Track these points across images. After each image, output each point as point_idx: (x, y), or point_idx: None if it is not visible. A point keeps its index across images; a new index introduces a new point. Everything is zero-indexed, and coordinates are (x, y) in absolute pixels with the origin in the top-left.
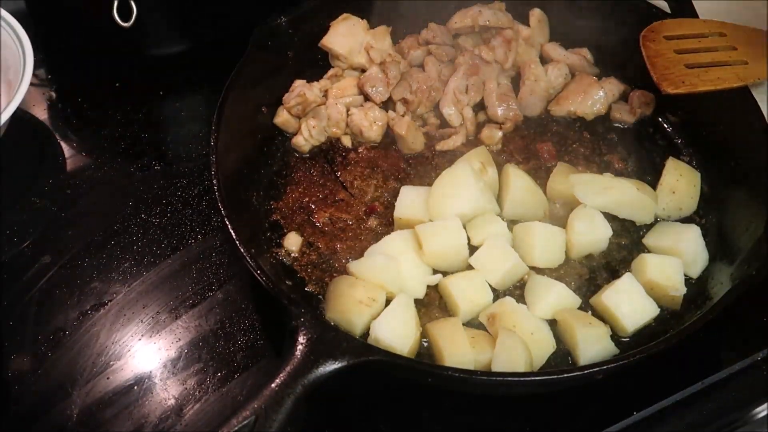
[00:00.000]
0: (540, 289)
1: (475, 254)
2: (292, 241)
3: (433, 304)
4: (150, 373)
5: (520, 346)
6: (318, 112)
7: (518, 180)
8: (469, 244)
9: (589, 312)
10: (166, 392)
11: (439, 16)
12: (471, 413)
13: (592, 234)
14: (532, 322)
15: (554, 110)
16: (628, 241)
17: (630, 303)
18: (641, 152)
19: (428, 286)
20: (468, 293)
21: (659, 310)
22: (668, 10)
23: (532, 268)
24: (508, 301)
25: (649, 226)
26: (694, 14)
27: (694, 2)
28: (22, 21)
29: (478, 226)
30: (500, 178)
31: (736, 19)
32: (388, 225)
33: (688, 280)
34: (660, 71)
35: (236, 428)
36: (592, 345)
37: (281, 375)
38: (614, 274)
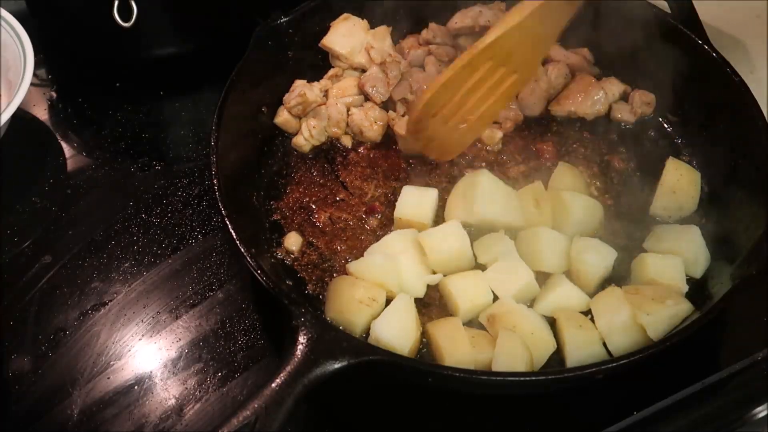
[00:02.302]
0: (546, 284)
1: (488, 270)
2: (293, 241)
3: (433, 304)
4: (150, 372)
5: (520, 346)
6: (318, 112)
7: (577, 201)
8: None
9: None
10: (167, 392)
11: (439, 16)
12: (471, 413)
13: (602, 262)
14: (532, 322)
15: (555, 110)
16: (629, 242)
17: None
18: (642, 152)
19: (428, 286)
20: (468, 293)
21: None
22: (668, 10)
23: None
24: (508, 301)
25: (647, 229)
26: (694, 14)
27: (694, 2)
28: (22, 21)
29: (485, 245)
30: (555, 204)
31: (736, 16)
32: (389, 225)
33: (689, 280)
34: (438, 151)
35: (237, 428)
36: (580, 348)
37: (282, 375)
38: (615, 274)
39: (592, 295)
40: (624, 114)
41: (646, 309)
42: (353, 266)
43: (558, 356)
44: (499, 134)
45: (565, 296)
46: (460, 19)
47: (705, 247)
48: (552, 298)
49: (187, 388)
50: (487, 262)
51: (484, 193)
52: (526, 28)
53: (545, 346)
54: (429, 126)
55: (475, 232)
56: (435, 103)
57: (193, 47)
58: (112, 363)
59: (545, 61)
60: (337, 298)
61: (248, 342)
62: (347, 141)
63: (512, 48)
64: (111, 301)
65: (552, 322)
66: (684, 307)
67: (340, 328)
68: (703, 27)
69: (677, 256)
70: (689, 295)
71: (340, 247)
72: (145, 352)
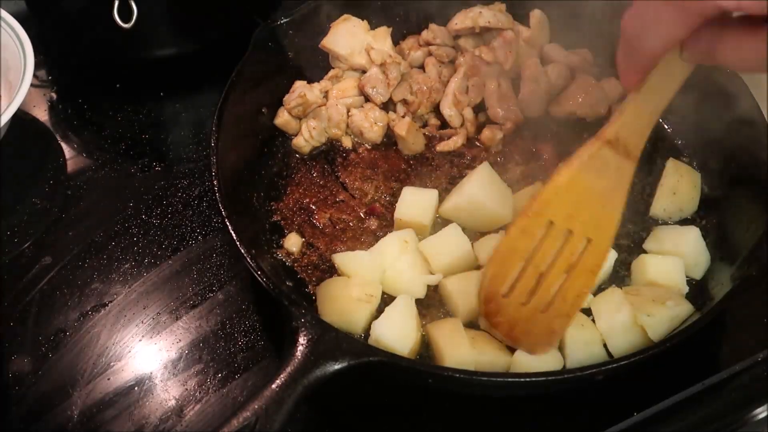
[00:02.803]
0: None
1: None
2: (293, 242)
3: (433, 305)
4: (150, 374)
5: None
6: (318, 113)
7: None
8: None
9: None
10: (167, 393)
11: (439, 17)
12: (471, 414)
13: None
14: None
15: (555, 111)
16: (629, 243)
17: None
18: (641, 153)
19: (429, 287)
20: (468, 294)
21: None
22: None
23: None
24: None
25: (647, 230)
26: None
27: None
28: (22, 22)
29: (486, 246)
30: None
31: None
32: (389, 226)
33: (689, 281)
34: (526, 340)
35: (237, 429)
36: (580, 348)
37: (282, 376)
38: (615, 275)
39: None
40: None
41: (646, 310)
42: (338, 258)
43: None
44: (500, 135)
45: None
46: (461, 20)
47: (705, 248)
48: None
49: (187, 389)
50: (485, 262)
51: (478, 176)
52: (579, 185)
53: None
54: (505, 307)
55: (475, 232)
56: (501, 279)
57: (194, 48)
58: (112, 364)
59: (545, 62)
60: (334, 301)
61: (248, 343)
62: (347, 142)
63: (572, 208)
64: (111, 302)
65: None
66: (684, 308)
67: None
68: None
69: (677, 257)
70: (689, 296)
71: (341, 249)
72: (145, 353)
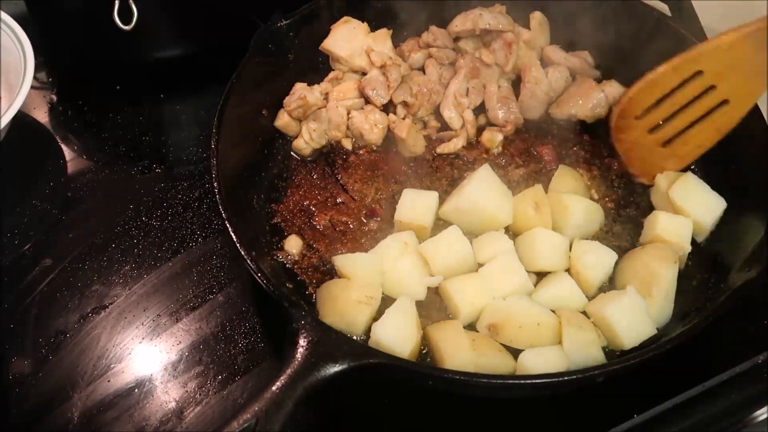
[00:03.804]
0: (550, 278)
1: (482, 268)
2: (293, 244)
3: (434, 307)
4: (151, 375)
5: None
6: (319, 115)
7: (577, 204)
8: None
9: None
10: (167, 395)
11: (439, 18)
12: (471, 416)
13: (602, 264)
14: (534, 313)
15: (555, 113)
16: (629, 245)
17: (631, 319)
18: None
19: (429, 288)
20: (468, 296)
21: (656, 330)
22: (668, 12)
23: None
24: (503, 304)
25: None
26: (694, 17)
27: (693, 3)
28: (23, 24)
29: (485, 243)
30: (555, 207)
31: (736, 20)
32: (389, 228)
33: (691, 275)
34: (638, 165)
35: (237, 430)
36: (579, 349)
37: (282, 378)
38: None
39: (591, 297)
40: None
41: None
42: (339, 260)
43: None
44: (500, 137)
45: (565, 291)
46: (461, 22)
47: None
48: (553, 291)
49: (187, 391)
50: (485, 261)
51: (478, 178)
52: (739, 50)
53: (554, 330)
54: (633, 128)
55: (475, 232)
56: (641, 99)
57: (194, 50)
58: (112, 366)
59: (545, 64)
60: (334, 303)
61: (248, 345)
62: (347, 144)
63: (724, 68)
64: (111, 304)
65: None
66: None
67: (340, 331)
68: (703, 29)
69: (687, 219)
70: (689, 298)
71: (341, 250)
72: (146, 355)
